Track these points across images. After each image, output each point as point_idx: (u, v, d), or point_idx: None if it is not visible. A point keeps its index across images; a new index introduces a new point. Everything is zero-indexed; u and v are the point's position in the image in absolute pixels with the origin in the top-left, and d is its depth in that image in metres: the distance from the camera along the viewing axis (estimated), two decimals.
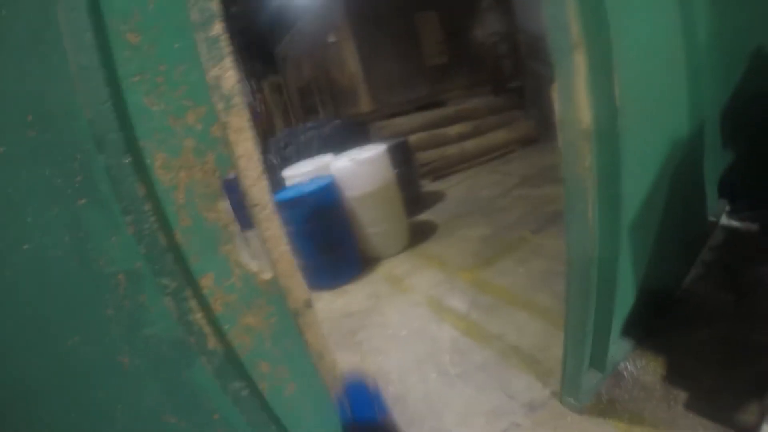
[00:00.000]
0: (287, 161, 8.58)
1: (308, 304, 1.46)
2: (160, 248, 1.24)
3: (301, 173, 6.22)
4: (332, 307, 5.11)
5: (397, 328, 4.18)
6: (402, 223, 6.00)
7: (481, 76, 10.53)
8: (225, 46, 1.23)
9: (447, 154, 8.72)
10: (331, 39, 10.05)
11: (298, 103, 14.32)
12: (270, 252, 1.39)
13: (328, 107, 11.88)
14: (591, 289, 2.13)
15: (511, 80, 10.44)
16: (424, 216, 6.90)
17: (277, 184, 7.12)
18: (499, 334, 3.56)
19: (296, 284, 1.42)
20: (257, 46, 18.64)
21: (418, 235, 6.13)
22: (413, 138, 8.47)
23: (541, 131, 8.90)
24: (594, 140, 1.75)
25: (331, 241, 5.43)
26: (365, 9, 9.38)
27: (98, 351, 1.31)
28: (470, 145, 8.89)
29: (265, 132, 15.33)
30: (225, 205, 1.35)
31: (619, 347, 2.79)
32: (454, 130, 9.10)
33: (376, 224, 5.70)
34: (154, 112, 1.22)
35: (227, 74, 1.24)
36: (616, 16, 1.68)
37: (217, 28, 1.21)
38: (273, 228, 1.37)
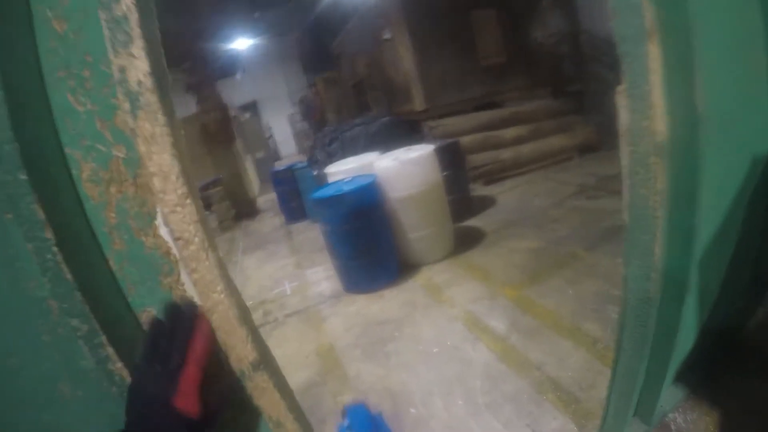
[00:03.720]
0: (332, 157, 8.36)
1: (257, 366, 1.16)
2: (66, 285, 0.99)
3: (343, 170, 5.99)
4: (366, 312, 4.88)
5: (430, 343, 3.90)
6: (446, 229, 5.67)
7: (539, 77, 9.99)
8: (134, 27, 0.94)
9: (501, 158, 8.32)
10: (386, 35, 9.78)
11: (352, 99, 14.14)
12: (201, 300, 1.08)
13: (382, 104, 11.62)
14: (648, 334, 1.78)
15: (572, 83, 9.91)
16: (472, 222, 6.54)
17: (320, 180, 6.94)
18: (538, 363, 3.21)
19: (239, 341, 1.12)
20: (314, 40, 18.57)
21: (464, 242, 5.79)
22: (467, 140, 8.12)
23: (602, 138, 8.37)
24: (668, 157, 1.39)
25: (369, 243, 5.19)
26: (421, 5, 9.03)
27: (37, 376, 1.17)
28: (526, 149, 8.46)
29: (318, 126, 15.27)
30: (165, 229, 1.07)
31: (669, 395, 2.39)
32: (509, 133, 8.68)
33: (419, 228, 5.40)
34: (80, 113, 1.00)
35: (135, 63, 0.95)
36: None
37: (125, 4, 0.92)
38: (203, 269, 1.04)
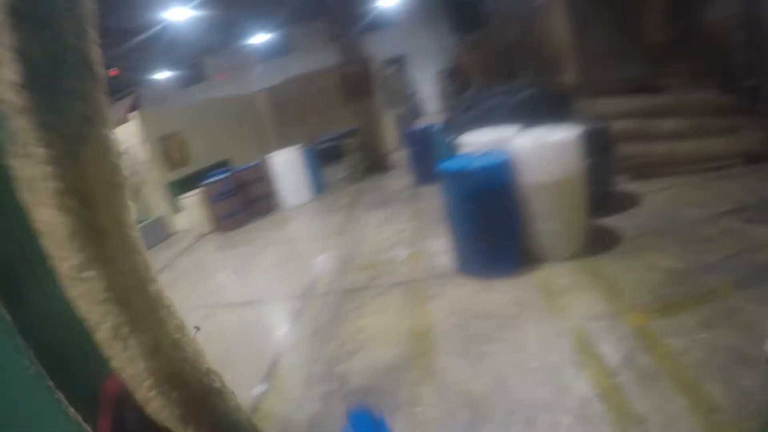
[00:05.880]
0: (468, 125, 7.89)
1: None
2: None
3: (477, 142, 5.64)
4: (472, 300, 4.66)
5: (529, 355, 3.59)
6: (579, 226, 5.12)
7: (708, 65, 8.49)
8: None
9: (654, 152, 7.39)
10: None
11: (500, 65, 13.47)
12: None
13: (530, 73, 10.88)
14: None
15: (745, 77, 8.48)
16: (609, 221, 5.81)
17: (453, 147, 6.60)
18: (641, 417, 2.76)
19: None
20: (462, 2, 17.88)
21: (595, 243, 5.16)
22: (618, 124, 7.26)
23: None
24: None
25: (492, 228, 4.90)
26: None
27: None
28: (684, 147, 7.34)
29: (462, 89, 14.82)
30: None
31: None
32: (667, 124, 7.61)
33: (549, 220, 4.95)
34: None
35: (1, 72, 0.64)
36: None
37: None
38: (122, 360, 0.75)
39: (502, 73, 13.23)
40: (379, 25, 20.99)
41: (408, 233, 7.20)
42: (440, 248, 6.01)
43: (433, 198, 8.15)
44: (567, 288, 4.45)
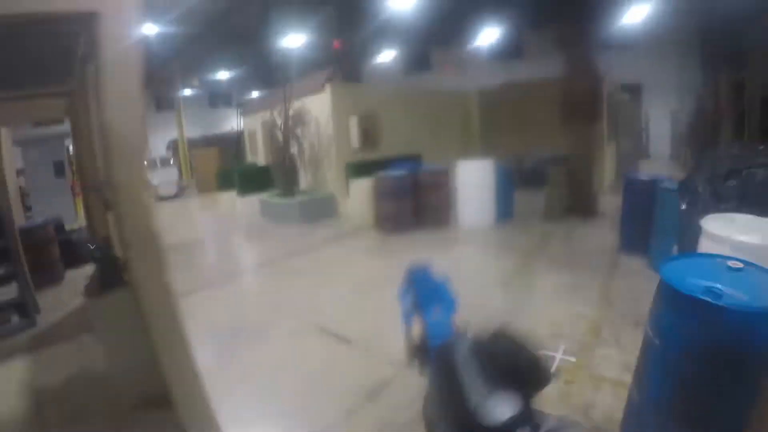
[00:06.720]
0: (722, 202, 5.24)
1: None
2: None
3: (738, 242, 3.34)
4: None
5: None
6: None
7: None
8: None
9: None
10: None
11: (757, 117, 10.60)
12: None
13: None
14: None
15: None
16: None
17: (689, 237, 4.33)
18: None
19: None
20: (722, 28, 14.70)
21: None
22: None
23: None
24: None
25: (716, 410, 2.52)
26: None
27: None
28: None
29: (706, 140, 12.06)
30: None
31: None
32: None
33: None
34: None
35: None
36: None
37: None
38: None
39: (759, 129, 10.48)
40: (617, 42, 18.23)
41: (584, 325, 5.14)
42: (615, 375, 4.01)
43: (636, 278, 6.13)
44: None
